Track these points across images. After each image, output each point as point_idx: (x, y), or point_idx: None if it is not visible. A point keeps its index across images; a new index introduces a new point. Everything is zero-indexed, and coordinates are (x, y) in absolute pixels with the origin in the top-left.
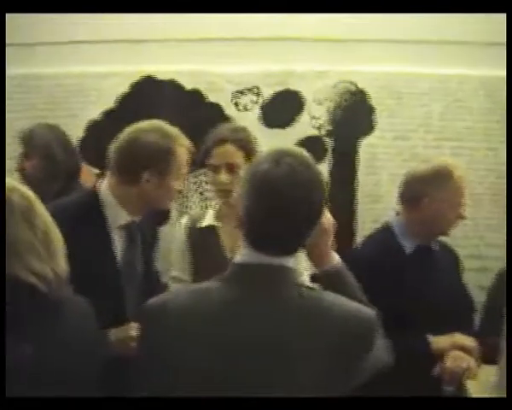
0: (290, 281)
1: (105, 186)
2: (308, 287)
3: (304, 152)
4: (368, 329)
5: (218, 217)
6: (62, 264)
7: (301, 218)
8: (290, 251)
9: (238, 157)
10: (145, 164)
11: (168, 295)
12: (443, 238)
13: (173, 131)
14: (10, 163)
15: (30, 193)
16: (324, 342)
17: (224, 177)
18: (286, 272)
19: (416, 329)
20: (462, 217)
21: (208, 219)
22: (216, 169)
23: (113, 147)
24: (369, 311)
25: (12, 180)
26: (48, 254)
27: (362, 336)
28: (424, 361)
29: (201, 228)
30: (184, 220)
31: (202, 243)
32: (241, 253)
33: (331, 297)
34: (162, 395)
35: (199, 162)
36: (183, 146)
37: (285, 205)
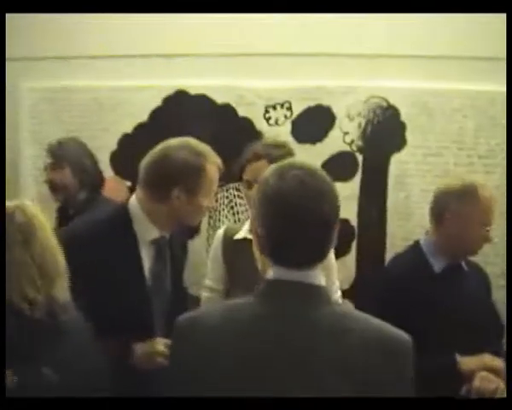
0: (321, 299)
1: (135, 201)
2: (339, 305)
3: (312, 164)
4: (401, 352)
5: (250, 230)
6: (60, 289)
7: (316, 227)
8: (313, 261)
9: None
10: (175, 181)
11: (199, 311)
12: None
13: (204, 148)
14: (37, 174)
15: (36, 213)
16: (355, 360)
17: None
18: (316, 289)
19: (445, 348)
20: (487, 240)
21: (243, 232)
22: (248, 185)
23: (143, 163)
24: (404, 335)
25: (20, 200)
26: (43, 278)
27: (394, 358)
28: (452, 381)
29: (237, 240)
30: (221, 231)
31: (236, 254)
32: (271, 269)
33: (363, 316)
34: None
35: (234, 176)
36: (213, 164)
37: (296, 216)
